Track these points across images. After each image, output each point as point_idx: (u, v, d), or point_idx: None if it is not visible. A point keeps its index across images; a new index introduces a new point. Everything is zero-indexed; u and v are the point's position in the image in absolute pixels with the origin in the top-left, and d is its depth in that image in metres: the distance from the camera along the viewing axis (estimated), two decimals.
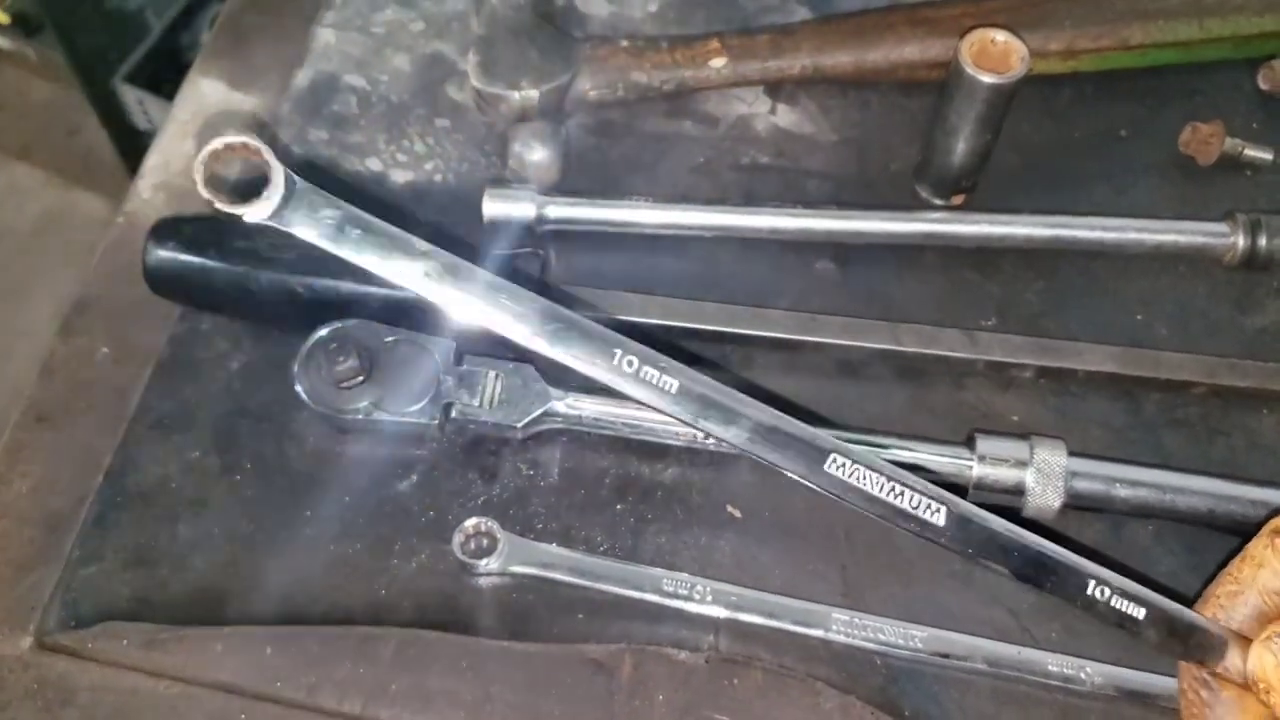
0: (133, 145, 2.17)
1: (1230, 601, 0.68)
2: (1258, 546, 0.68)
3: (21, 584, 0.75)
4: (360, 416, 0.78)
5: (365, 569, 0.76)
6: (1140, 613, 0.65)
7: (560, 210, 0.88)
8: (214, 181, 0.56)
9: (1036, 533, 0.65)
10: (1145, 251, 0.89)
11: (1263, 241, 0.88)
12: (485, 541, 0.76)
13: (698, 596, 0.75)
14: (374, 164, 0.93)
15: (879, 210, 0.89)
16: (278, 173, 0.57)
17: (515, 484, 0.79)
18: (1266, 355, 0.87)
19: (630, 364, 0.62)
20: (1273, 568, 0.67)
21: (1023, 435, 0.77)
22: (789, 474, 0.64)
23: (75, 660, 0.72)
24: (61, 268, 2.37)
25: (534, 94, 0.88)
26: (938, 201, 0.92)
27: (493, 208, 0.87)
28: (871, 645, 0.74)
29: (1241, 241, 0.88)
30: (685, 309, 0.84)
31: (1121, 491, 0.76)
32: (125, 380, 0.83)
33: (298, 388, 0.78)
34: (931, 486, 0.64)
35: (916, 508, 0.64)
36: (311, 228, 0.59)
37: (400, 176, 0.93)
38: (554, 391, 0.79)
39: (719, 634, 0.74)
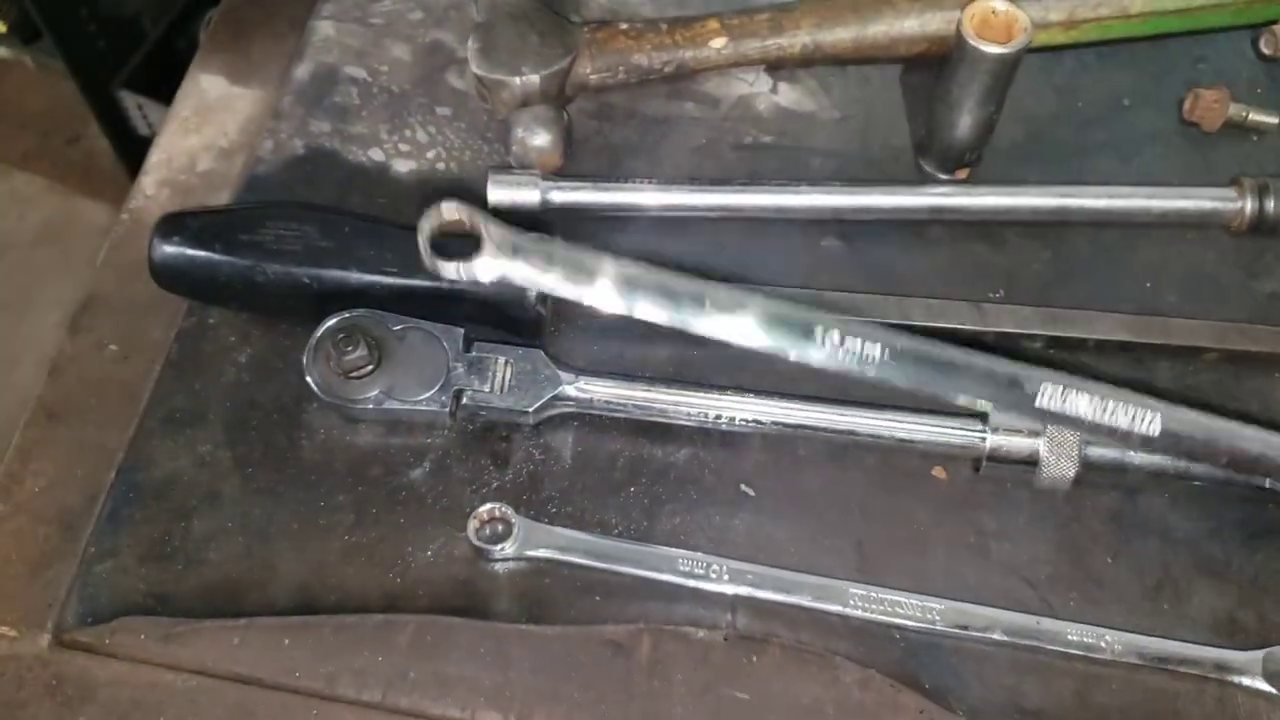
0: (134, 151, 2.16)
1: None
2: None
3: (38, 582, 0.75)
4: (371, 406, 0.78)
5: (380, 558, 0.76)
6: None
7: (564, 195, 0.88)
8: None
9: None
10: (1152, 219, 0.89)
11: (1270, 205, 0.87)
12: (500, 527, 0.76)
13: (714, 575, 0.75)
14: (376, 154, 0.93)
15: (884, 185, 0.89)
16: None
17: (528, 469, 0.79)
18: (1277, 320, 0.86)
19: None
20: None
21: None
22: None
23: (93, 656, 0.72)
24: (64, 276, 2.37)
25: (535, 79, 0.88)
26: (942, 176, 0.92)
27: (497, 194, 0.87)
28: (889, 619, 0.74)
29: (1249, 206, 0.88)
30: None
31: (1135, 458, 0.76)
32: (134, 376, 0.83)
33: (308, 379, 0.78)
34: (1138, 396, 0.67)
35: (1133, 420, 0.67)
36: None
37: (403, 166, 0.93)
38: (564, 375, 0.79)
39: (736, 612, 0.74)
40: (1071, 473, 0.76)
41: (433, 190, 0.91)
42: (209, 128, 0.96)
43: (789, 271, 0.88)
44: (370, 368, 0.78)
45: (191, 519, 0.77)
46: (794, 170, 0.94)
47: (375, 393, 0.78)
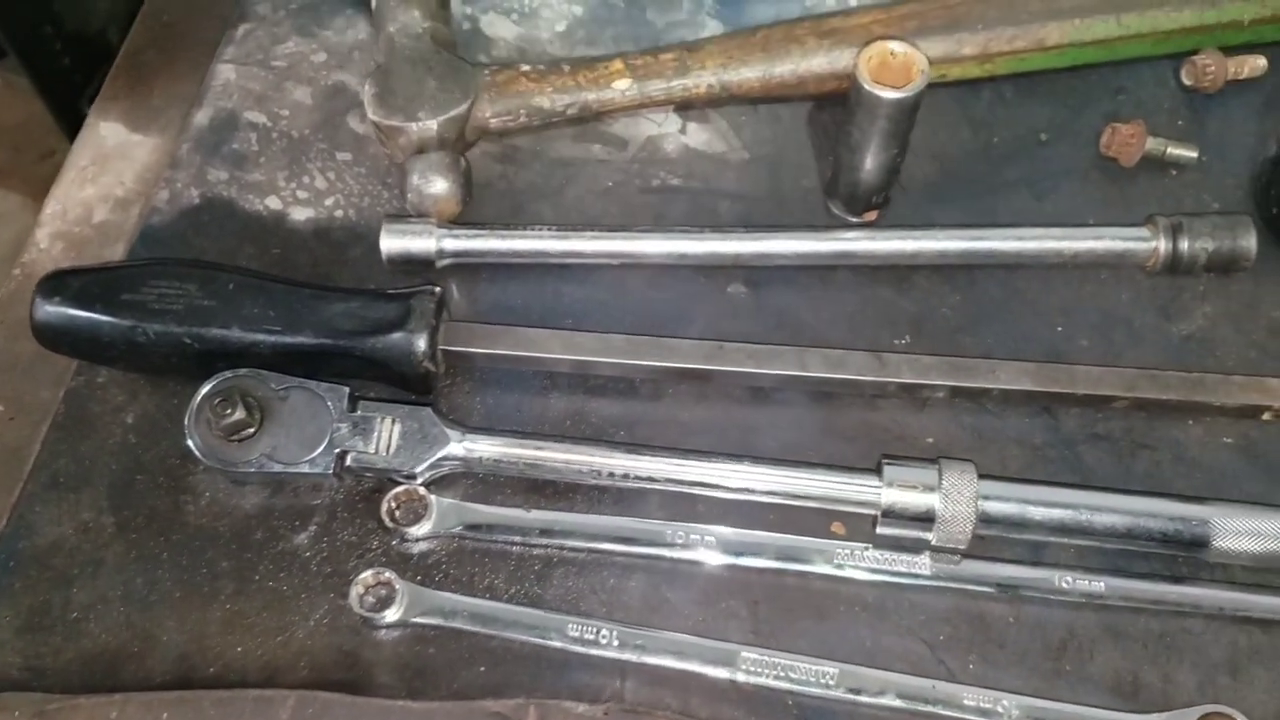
0: None
1: None
2: None
3: None
4: (253, 469, 0.76)
5: (261, 627, 0.74)
6: None
7: (460, 243, 0.85)
8: None
9: None
10: (1064, 261, 0.87)
11: (1184, 245, 0.85)
12: (384, 592, 0.74)
13: (603, 641, 0.73)
14: (273, 203, 0.91)
15: (789, 231, 0.87)
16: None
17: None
18: (1194, 363, 0.85)
19: None
20: None
21: (933, 460, 0.75)
22: None
23: None
24: None
25: (432, 124, 0.86)
26: (851, 219, 0.90)
27: (390, 243, 0.85)
28: (782, 684, 0.72)
29: (1163, 246, 0.85)
30: (590, 343, 0.81)
31: (1035, 513, 0.74)
32: (20, 438, 0.82)
33: (189, 443, 0.76)
34: None
35: None
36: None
37: (300, 214, 0.91)
38: (452, 434, 0.77)
39: (625, 678, 0.72)
40: (969, 527, 0.73)
41: (330, 240, 0.89)
42: (106, 177, 0.94)
43: (693, 319, 0.86)
44: (251, 430, 0.76)
45: (72, 588, 0.75)
46: (702, 213, 0.92)
47: (257, 455, 0.76)
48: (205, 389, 0.77)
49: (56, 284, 0.79)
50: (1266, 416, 0.82)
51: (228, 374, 0.77)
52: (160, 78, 0.99)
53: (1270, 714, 0.71)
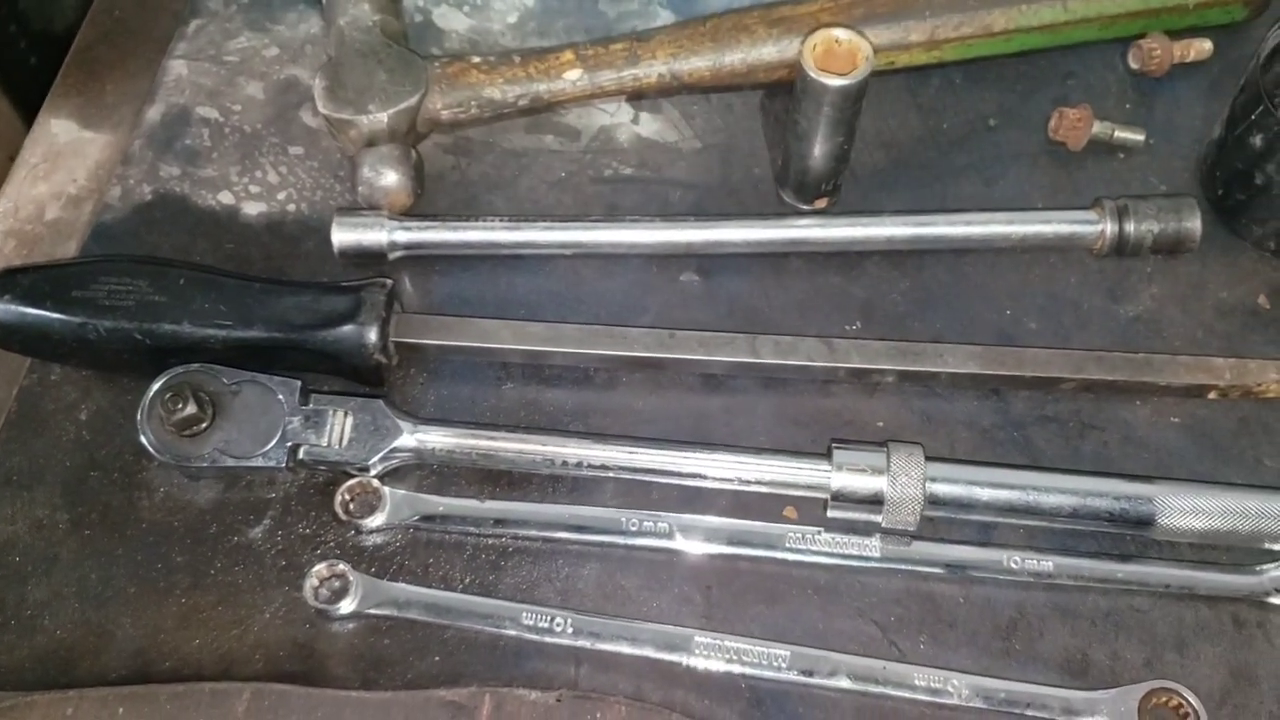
0: None
1: None
2: None
3: None
4: (206, 464, 0.76)
5: (217, 621, 0.74)
6: None
7: (412, 235, 0.86)
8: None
9: None
10: (1012, 245, 0.87)
11: (1131, 227, 0.86)
12: (338, 584, 0.74)
13: (558, 628, 0.73)
14: (226, 198, 0.91)
15: (739, 219, 0.88)
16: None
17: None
18: (1141, 344, 0.86)
19: None
20: None
21: (881, 443, 0.76)
22: None
23: None
24: None
25: (382, 117, 0.86)
26: (802, 206, 0.90)
27: (342, 236, 0.85)
28: (735, 668, 0.73)
29: (1109, 228, 0.86)
30: (542, 333, 0.82)
31: (983, 494, 0.75)
32: None
33: (142, 439, 0.76)
34: None
35: None
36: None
37: (253, 209, 0.91)
38: (404, 425, 0.78)
39: (580, 665, 0.73)
40: (917, 509, 0.74)
41: (282, 234, 0.89)
42: (58, 174, 0.93)
43: (646, 308, 0.87)
44: (204, 425, 0.76)
45: (26, 585, 0.75)
46: (654, 202, 0.92)
47: (210, 450, 0.76)
48: (156, 385, 0.77)
49: (6, 282, 0.79)
50: (1212, 396, 0.83)
51: (179, 369, 0.77)
52: (112, 74, 0.99)
53: (1215, 688, 0.73)
